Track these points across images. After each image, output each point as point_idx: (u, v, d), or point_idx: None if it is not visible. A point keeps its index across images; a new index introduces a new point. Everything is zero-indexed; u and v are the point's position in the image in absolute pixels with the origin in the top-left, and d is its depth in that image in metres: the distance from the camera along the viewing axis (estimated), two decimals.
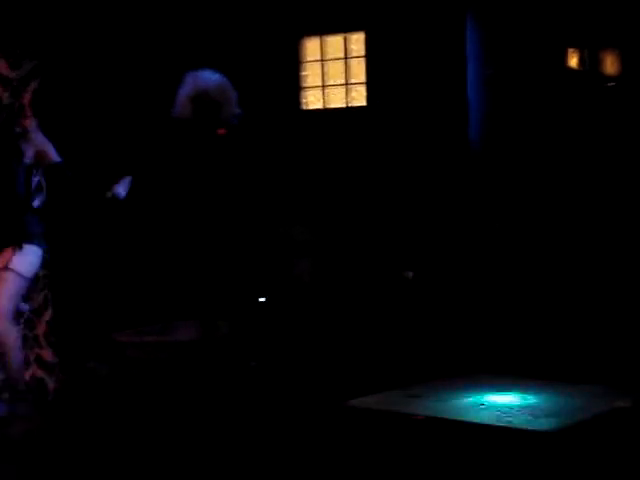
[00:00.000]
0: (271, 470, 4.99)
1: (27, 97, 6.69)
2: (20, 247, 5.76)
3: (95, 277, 7.33)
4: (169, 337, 6.83)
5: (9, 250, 5.76)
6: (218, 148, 5.95)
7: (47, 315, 6.81)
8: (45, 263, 6.73)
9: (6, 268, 5.75)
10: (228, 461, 5.17)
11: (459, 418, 5.31)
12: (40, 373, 6.75)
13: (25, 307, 6.71)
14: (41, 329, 6.79)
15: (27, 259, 5.85)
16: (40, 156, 5.87)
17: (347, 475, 4.92)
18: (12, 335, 5.83)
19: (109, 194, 5.94)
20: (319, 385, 6.30)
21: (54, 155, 5.88)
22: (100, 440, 5.72)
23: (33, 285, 6.77)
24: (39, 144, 5.88)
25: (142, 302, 7.28)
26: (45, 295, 6.81)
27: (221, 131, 5.90)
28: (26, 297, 6.75)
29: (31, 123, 6.68)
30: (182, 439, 5.54)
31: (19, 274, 5.81)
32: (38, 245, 5.91)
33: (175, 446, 5.45)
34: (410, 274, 6.73)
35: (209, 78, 5.94)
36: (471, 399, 5.69)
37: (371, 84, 7.05)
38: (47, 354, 6.80)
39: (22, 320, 6.70)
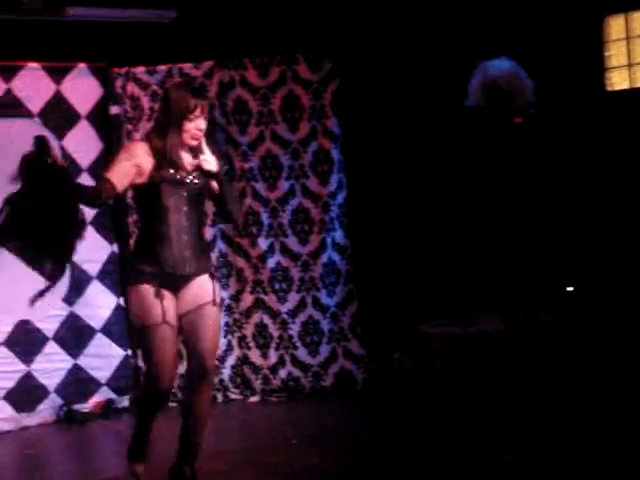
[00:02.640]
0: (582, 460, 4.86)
1: (327, 98, 6.90)
2: (214, 275, 4.83)
3: (399, 269, 7.35)
4: (474, 328, 6.81)
5: (206, 280, 4.70)
6: (515, 137, 5.86)
7: (352, 308, 6.96)
8: (348, 257, 7.08)
9: (213, 302, 4.72)
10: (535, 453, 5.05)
11: None
12: (348, 365, 6.91)
13: (330, 301, 7.01)
14: (347, 322, 6.97)
15: (218, 286, 4.94)
16: None
17: None
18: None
19: None
20: (631, 376, 6.07)
21: None
22: (407, 429, 5.82)
23: (336, 279, 7.08)
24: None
25: (447, 293, 7.27)
26: (350, 289, 6.97)
27: (518, 119, 5.80)
28: (330, 291, 7.10)
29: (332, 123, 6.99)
30: (493, 431, 5.49)
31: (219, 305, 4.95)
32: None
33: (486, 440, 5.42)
34: None
35: (499, 67, 5.81)
36: None
37: None
38: (354, 346, 6.93)
39: (328, 313, 6.98)
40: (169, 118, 4.57)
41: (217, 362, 6.35)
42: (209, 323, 4.66)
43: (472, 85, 5.79)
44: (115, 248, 6.96)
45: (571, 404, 5.82)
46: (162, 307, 4.51)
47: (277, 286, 6.87)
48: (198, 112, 4.55)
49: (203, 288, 4.65)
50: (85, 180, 6.80)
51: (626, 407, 5.67)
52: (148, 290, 4.52)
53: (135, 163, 4.52)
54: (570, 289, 6.89)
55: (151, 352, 4.49)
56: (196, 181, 4.60)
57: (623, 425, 5.42)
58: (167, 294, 4.56)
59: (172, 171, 4.55)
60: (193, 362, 4.59)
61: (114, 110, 6.94)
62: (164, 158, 4.55)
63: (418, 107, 7.26)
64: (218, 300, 4.75)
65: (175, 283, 4.58)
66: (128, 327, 6.98)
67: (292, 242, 6.95)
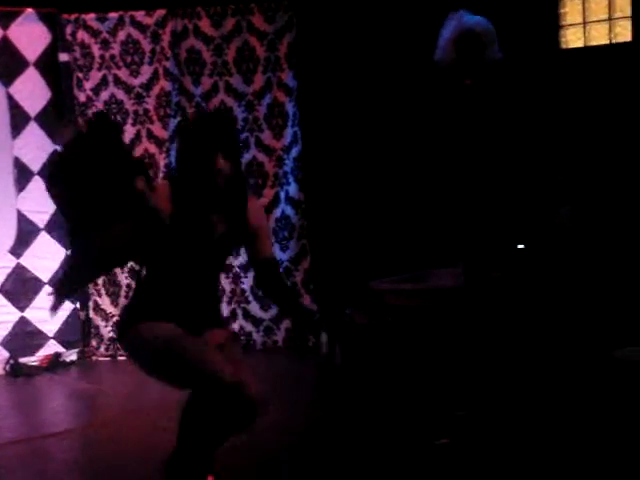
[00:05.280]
0: (525, 427, 4.84)
1: (282, 50, 6.77)
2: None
3: (353, 225, 7.25)
4: (423, 284, 6.81)
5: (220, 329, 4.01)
6: (470, 95, 5.79)
7: (305, 263, 6.95)
8: (301, 211, 6.97)
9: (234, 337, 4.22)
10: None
11: None
12: None
13: (283, 256, 6.91)
14: (299, 277, 6.92)
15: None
16: None
17: (617, 421, 4.75)
18: None
19: None
20: (579, 333, 6.08)
21: None
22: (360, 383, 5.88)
23: (289, 233, 6.96)
24: None
25: (399, 250, 7.22)
26: (303, 244, 6.93)
27: (467, 81, 5.71)
28: (283, 246, 6.99)
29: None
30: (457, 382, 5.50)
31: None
32: None
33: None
34: None
35: (473, 17, 5.76)
36: None
37: (638, 18, 6.62)
38: (306, 301, 6.88)
39: (281, 268, 6.88)
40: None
41: None
42: (237, 356, 3.93)
43: (443, 37, 5.66)
44: None
45: (520, 358, 5.86)
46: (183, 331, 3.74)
47: None
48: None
49: (218, 332, 3.91)
50: (33, 129, 6.64)
51: (570, 359, 5.80)
52: (161, 322, 3.75)
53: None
54: (521, 247, 6.90)
55: (191, 358, 3.70)
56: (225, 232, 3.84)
57: (568, 373, 5.61)
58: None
59: (199, 219, 3.80)
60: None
61: (63, 57, 6.80)
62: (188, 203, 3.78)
63: (376, 61, 7.15)
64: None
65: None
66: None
67: None
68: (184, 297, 3.86)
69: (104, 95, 6.80)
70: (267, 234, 4.04)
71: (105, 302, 6.91)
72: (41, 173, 6.65)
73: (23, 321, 6.68)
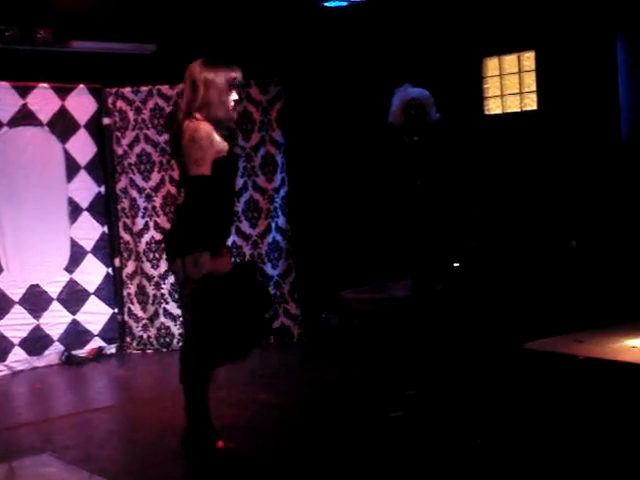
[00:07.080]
0: (460, 403, 4.91)
1: (273, 114, 7.00)
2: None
3: (328, 248, 7.47)
4: (383, 294, 6.99)
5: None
6: (415, 149, 5.93)
7: (291, 278, 7.05)
8: (288, 237, 7.10)
9: None
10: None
11: (612, 358, 5.20)
12: (287, 322, 7.03)
13: (274, 272, 7.06)
14: (286, 288, 7.04)
15: None
16: None
17: (524, 404, 4.80)
18: None
19: None
20: (498, 331, 6.26)
21: None
22: (334, 372, 5.92)
23: (278, 255, 7.10)
24: None
25: (363, 267, 7.42)
26: (289, 263, 7.07)
27: (415, 137, 5.87)
28: (274, 265, 7.13)
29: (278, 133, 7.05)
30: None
31: None
32: None
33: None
34: (574, 243, 6.54)
35: (417, 90, 5.97)
36: (625, 343, 5.58)
37: (541, 92, 6.94)
38: (292, 307, 7.04)
39: (272, 282, 7.03)
40: (217, 95, 3.97)
41: None
42: None
43: (394, 105, 5.84)
44: (105, 229, 6.99)
45: (455, 349, 5.98)
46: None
47: (233, 260, 6.88)
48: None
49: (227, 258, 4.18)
50: (82, 175, 6.89)
51: (492, 350, 5.92)
52: (226, 255, 4.05)
53: (216, 149, 3.90)
54: (456, 265, 7.02)
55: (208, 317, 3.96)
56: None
57: (491, 360, 5.70)
58: None
59: (231, 145, 3.98)
60: None
61: (106, 121, 7.02)
62: (224, 134, 3.94)
63: (344, 123, 7.48)
64: None
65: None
66: (115, 290, 7.07)
67: (245, 225, 7.01)
68: (228, 215, 4.09)
69: (136, 149, 7.01)
70: None
71: (136, 308, 7.09)
72: (88, 209, 6.88)
73: (74, 322, 6.87)
